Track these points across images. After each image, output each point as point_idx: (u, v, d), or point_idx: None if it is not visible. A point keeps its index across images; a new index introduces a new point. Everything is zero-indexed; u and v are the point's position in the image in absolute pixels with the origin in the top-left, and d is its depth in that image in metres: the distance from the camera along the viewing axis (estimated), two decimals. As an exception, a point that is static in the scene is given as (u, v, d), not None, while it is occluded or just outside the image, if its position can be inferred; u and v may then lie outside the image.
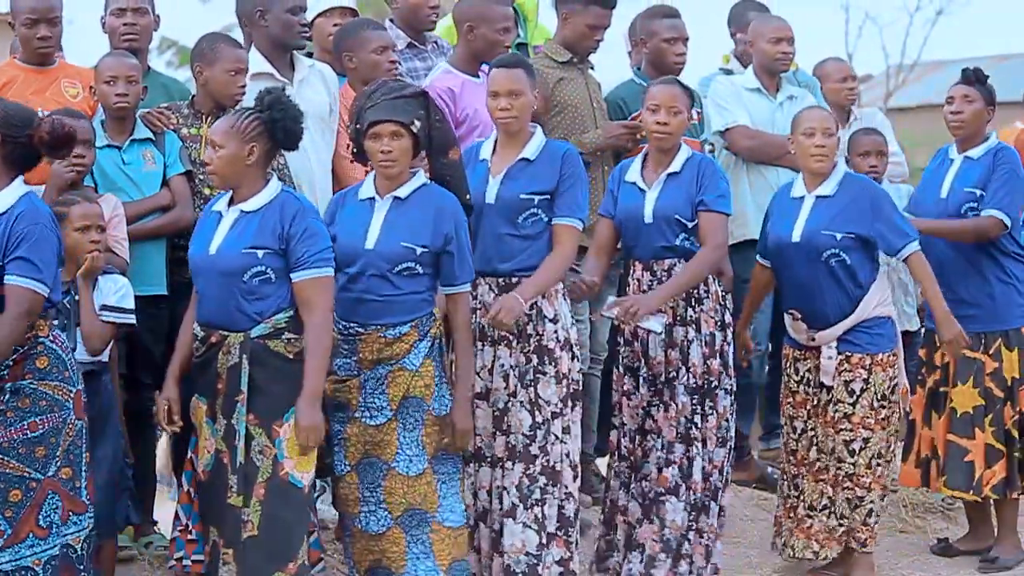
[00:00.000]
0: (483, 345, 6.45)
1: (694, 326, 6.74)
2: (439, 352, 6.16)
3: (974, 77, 7.47)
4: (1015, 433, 7.35)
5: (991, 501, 7.49)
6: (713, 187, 6.75)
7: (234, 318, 5.86)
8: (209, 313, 5.92)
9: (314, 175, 7.20)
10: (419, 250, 6.09)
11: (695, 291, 6.75)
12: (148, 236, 6.77)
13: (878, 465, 6.91)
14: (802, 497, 7.04)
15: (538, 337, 6.41)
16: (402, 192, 6.16)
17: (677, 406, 6.72)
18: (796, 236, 6.94)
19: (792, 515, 7.07)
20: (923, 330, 7.90)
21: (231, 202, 5.98)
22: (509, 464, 6.38)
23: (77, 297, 6.25)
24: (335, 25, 7.60)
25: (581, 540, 6.59)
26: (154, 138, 6.94)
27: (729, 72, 8.78)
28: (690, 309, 6.75)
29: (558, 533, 6.37)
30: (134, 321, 6.41)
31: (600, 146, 7.63)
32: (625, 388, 6.85)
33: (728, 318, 6.83)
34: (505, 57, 6.71)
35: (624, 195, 6.85)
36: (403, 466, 6.09)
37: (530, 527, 6.35)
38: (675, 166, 6.80)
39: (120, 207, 6.67)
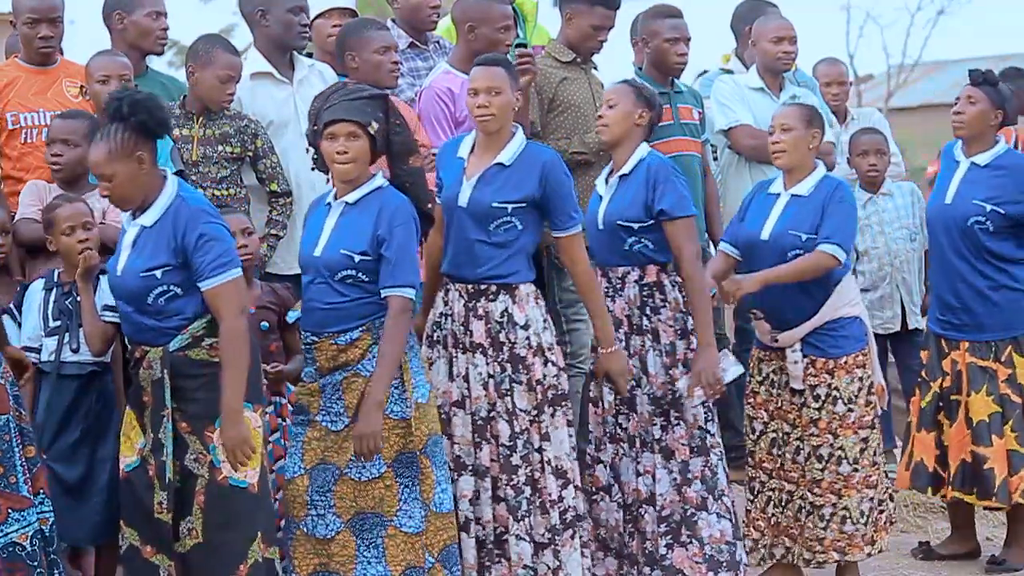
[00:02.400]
0: (457, 353, 6.34)
1: (651, 335, 6.58)
2: None
3: (981, 79, 7.34)
4: None
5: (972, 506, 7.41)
6: (670, 191, 6.54)
7: (151, 334, 5.76)
8: (129, 329, 5.84)
9: (314, 176, 7.19)
10: (357, 257, 5.93)
11: (650, 300, 6.59)
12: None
13: (855, 471, 6.77)
14: (770, 498, 6.92)
15: (510, 345, 6.29)
16: (352, 197, 6.03)
17: (640, 415, 6.59)
18: (765, 234, 6.81)
19: (763, 515, 6.96)
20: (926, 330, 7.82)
21: (134, 213, 5.83)
22: (497, 474, 6.30)
23: (79, 298, 6.25)
24: (335, 26, 7.60)
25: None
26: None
27: (729, 72, 8.78)
28: (645, 319, 6.59)
29: (547, 542, 6.29)
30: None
31: (603, 146, 7.61)
32: (591, 396, 6.72)
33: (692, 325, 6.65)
34: (486, 55, 6.61)
35: (592, 202, 6.73)
36: (355, 472, 5.96)
37: (523, 539, 6.27)
38: (627, 168, 6.63)
39: None
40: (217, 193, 6.99)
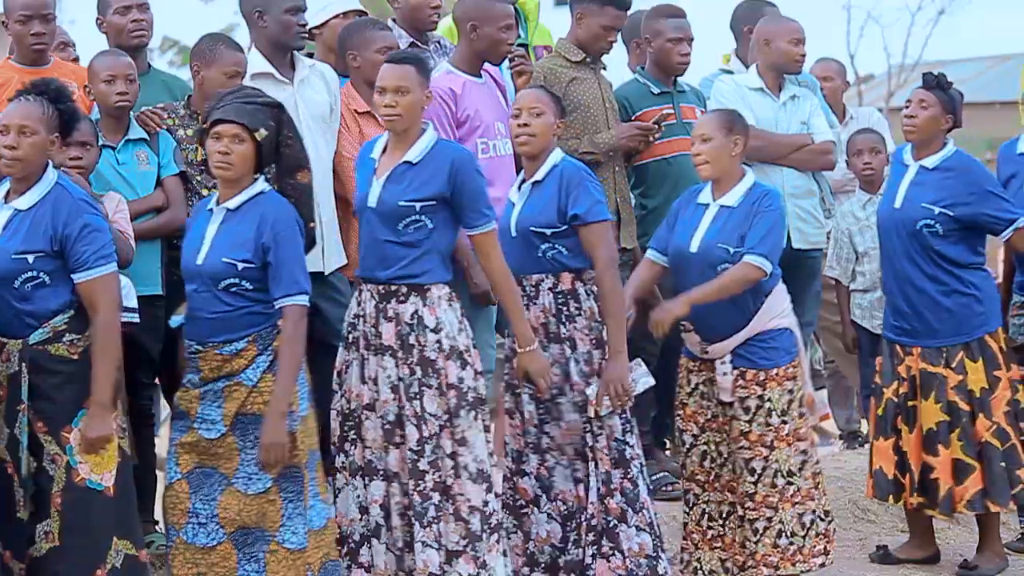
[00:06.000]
0: (368, 355, 6.23)
1: (569, 343, 6.46)
2: None
3: (935, 83, 7.30)
4: (997, 444, 7.18)
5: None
6: (584, 196, 6.42)
7: (11, 324, 5.70)
8: None
9: (316, 175, 7.16)
10: (241, 265, 5.84)
11: (565, 308, 6.47)
12: (142, 237, 6.70)
13: (789, 483, 6.62)
14: (704, 511, 6.79)
15: (420, 348, 6.14)
16: (233, 203, 5.93)
17: (569, 423, 6.47)
18: (694, 247, 6.66)
19: (698, 528, 6.82)
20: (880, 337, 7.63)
21: (7, 196, 5.79)
22: (405, 480, 6.17)
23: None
24: (351, 27, 7.56)
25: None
26: (148, 138, 6.90)
27: (730, 72, 8.76)
28: (562, 326, 6.47)
29: (464, 549, 6.15)
30: (137, 319, 6.43)
31: (613, 147, 7.60)
32: (507, 407, 6.57)
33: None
34: (397, 52, 6.54)
35: (506, 209, 6.61)
36: (242, 483, 5.85)
37: (430, 546, 6.12)
38: (539, 175, 6.51)
39: (124, 204, 6.65)
40: (223, 193, 6.97)
